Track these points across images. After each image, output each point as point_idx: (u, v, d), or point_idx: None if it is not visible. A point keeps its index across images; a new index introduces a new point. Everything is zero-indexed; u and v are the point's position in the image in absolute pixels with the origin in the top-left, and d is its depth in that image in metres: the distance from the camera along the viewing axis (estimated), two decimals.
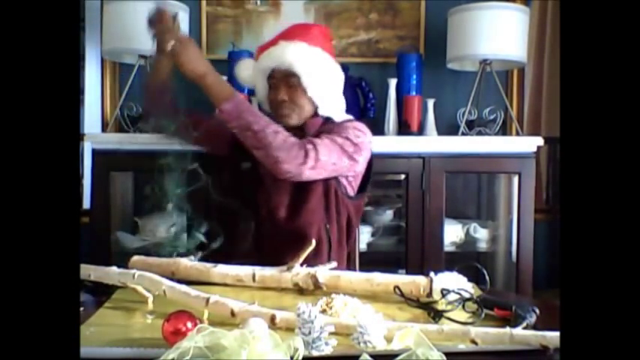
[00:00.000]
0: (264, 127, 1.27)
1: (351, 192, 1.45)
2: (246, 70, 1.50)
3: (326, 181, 1.39)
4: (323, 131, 1.41)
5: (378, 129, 1.56)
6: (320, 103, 1.42)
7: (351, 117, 1.51)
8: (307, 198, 1.38)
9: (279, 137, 1.27)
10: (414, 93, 2.15)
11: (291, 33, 1.45)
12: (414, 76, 2.16)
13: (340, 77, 1.49)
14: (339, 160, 1.35)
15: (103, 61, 2.30)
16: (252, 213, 1.44)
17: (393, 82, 2.16)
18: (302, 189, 1.38)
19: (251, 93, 2.12)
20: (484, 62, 2.09)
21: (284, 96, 1.39)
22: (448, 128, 2.25)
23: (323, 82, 1.41)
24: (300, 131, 1.43)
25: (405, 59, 2.18)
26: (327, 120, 1.45)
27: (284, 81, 1.40)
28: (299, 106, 1.40)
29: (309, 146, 1.30)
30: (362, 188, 1.49)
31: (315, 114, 1.45)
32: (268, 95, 1.45)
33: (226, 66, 2.15)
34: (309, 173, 1.31)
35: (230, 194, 1.37)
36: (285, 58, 1.38)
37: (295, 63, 1.37)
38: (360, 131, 1.41)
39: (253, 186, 1.44)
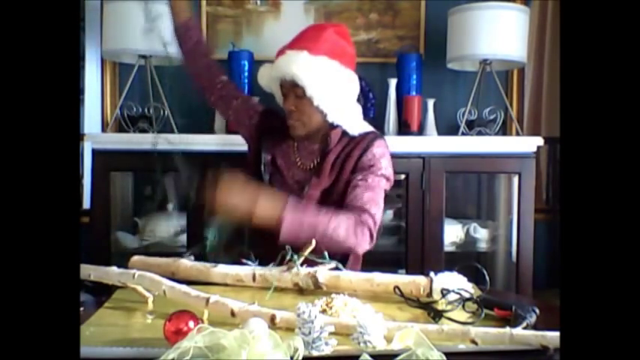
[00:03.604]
0: (327, 227, 1.25)
1: None
2: (263, 78, 1.49)
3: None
4: (349, 146, 1.41)
5: (378, 129, 1.56)
6: (329, 112, 1.39)
7: (368, 127, 1.48)
8: (333, 204, 1.37)
9: (342, 229, 1.27)
10: (414, 93, 2.15)
11: (301, 39, 1.42)
12: (414, 76, 2.16)
13: (352, 84, 1.44)
14: (382, 201, 1.38)
15: (103, 61, 2.30)
16: None
17: (393, 82, 2.16)
18: (328, 194, 1.39)
19: (251, 93, 2.13)
20: (484, 62, 2.09)
21: (291, 106, 1.38)
22: (448, 128, 2.25)
23: (330, 92, 1.37)
24: (322, 143, 1.43)
25: (405, 59, 2.18)
26: (344, 132, 1.43)
27: (291, 91, 1.38)
28: (307, 116, 1.38)
29: (369, 220, 1.31)
30: None
31: (330, 124, 1.42)
32: (283, 103, 1.45)
33: (226, 66, 2.16)
34: (374, 242, 1.34)
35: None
36: (289, 69, 1.35)
37: (298, 74, 1.34)
38: (388, 158, 1.42)
39: (275, 184, 1.44)
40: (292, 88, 1.38)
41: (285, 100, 1.41)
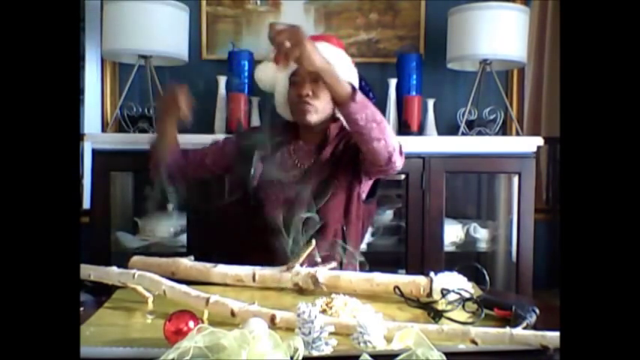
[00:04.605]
0: (382, 119, 1.29)
1: (363, 196, 1.46)
2: (266, 73, 1.50)
3: (350, 183, 1.41)
4: (346, 138, 1.44)
5: None
6: None
7: None
8: (328, 198, 1.38)
9: (391, 130, 1.32)
10: (414, 93, 2.15)
11: (313, 38, 1.47)
12: (414, 76, 2.16)
13: (356, 82, 1.50)
14: None
15: (103, 61, 2.30)
16: (265, 211, 1.43)
17: (393, 82, 2.16)
18: (324, 189, 1.39)
19: (251, 93, 2.13)
20: (484, 62, 2.09)
21: (308, 90, 1.39)
22: (448, 128, 2.25)
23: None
24: (322, 135, 1.45)
25: (405, 59, 2.18)
26: (344, 127, 1.45)
27: (308, 77, 1.40)
28: (321, 102, 1.40)
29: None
30: (371, 193, 1.49)
31: (333, 117, 1.46)
32: (289, 93, 1.45)
33: (226, 66, 2.16)
34: (401, 165, 1.36)
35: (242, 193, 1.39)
36: None
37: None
38: None
39: (267, 184, 1.44)
40: (310, 73, 1.39)
41: (296, 87, 1.42)
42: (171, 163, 1.49)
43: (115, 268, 1.11)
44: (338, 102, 1.27)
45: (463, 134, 2.12)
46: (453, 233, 2.12)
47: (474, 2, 2.05)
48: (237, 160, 1.49)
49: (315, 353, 0.77)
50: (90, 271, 1.11)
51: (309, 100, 1.39)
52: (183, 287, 1.00)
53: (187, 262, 1.19)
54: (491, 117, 2.19)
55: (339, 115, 1.44)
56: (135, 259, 1.24)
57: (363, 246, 2.05)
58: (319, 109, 1.40)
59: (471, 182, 2.38)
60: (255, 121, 2.11)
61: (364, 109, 1.25)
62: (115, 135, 2.13)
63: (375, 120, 1.26)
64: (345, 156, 1.41)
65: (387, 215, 2.20)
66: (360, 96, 1.25)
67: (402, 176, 2.01)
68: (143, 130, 2.09)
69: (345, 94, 1.24)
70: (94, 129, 2.28)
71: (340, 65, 1.40)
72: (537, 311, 0.92)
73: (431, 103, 2.16)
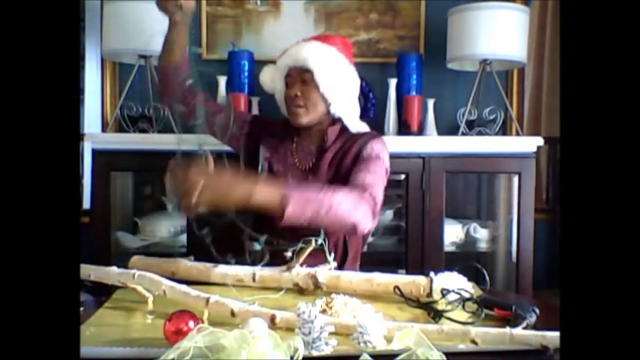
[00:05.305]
0: (330, 203, 1.18)
1: None
2: (267, 75, 1.51)
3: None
4: (346, 144, 1.42)
5: (378, 129, 1.57)
6: (332, 102, 1.41)
7: (366, 128, 1.49)
8: None
9: (344, 204, 1.21)
10: (414, 93, 2.15)
11: (311, 38, 1.49)
12: (414, 76, 2.16)
13: (356, 81, 1.49)
14: (382, 188, 1.36)
15: (103, 61, 2.30)
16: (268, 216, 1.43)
17: (393, 82, 2.16)
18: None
19: (251, 93, 2.13)
20: (484, 62, 2.09)
21: (296, 91, 1.39)
22: (448, 128, 2.25)
23: (336, 80, 1.41)
24: (320, 137, 1.44)
25: (405, 59, 2.18)
26: (344, 128, 1.45)
27: (299, 77, 1.40)
28: (311, 103, 1.40)
29: (370, 198, 1.28)
30: None
31: (331, 119, 1.45)
32: (284, 95, 1.45)
33: (226, 66, 2.16)
34: (376, 222, 1.31)
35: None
36: (300, 55, 1.39)
37: (309, 59, 1.38)
38: (387, 150, 1.42)
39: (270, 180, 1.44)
40: (300, 74, 1.40)
41: (289, 88, 1.42)
42: (174, 84, 1.41)
43: (115, 268, 1.11)
44: (275, 216, 1.14)
45: (463, 134, 2.12)
46: (453, 233, 2.12)
47: (473, 2, 2.05)
48: (243, 140, 1.48)
49: (315, 353, 0.77)
50: (90, 271, 1.11)
51: (298, 101, 1.39)
52: (183, 287, 1.00)
53: (187, 262, 1.19)
54: (491, 117, 2.19)
55: (337, 117, 1.44)
56: (135, 259, 1.24)
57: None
58: (309, 109, 1.40)
59: (470, 182, 2.38)
60: None
61: (303, 209, 1.14)
62: (115, 135, 2.13)
63: (320, 211, 1.16)
64: (344, 162, 1.40)
65: (387, 215, 2.20)
66: (295, 198, 1.13)
67: (402, 176, 2.01)
68: (143, 130, 2.09)
69: (277, 208, 1.12)
70: (94, 129, 2.29)
71: (329, 65, 1.40)
72: (537, 311, 0.92)
73: (431, 103, 2.16)
